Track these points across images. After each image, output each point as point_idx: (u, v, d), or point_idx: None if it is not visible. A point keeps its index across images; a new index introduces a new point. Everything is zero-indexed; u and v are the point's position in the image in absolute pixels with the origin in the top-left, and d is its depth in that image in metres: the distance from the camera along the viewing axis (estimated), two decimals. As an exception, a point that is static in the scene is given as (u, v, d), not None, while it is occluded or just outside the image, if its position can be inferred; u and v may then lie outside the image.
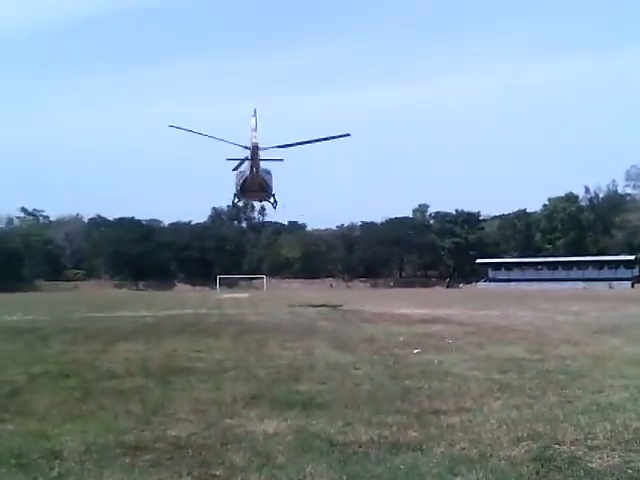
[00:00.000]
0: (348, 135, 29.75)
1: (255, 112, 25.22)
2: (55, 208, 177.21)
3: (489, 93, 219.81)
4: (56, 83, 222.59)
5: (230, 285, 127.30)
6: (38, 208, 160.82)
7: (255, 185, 27.03)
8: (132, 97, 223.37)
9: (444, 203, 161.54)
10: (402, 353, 15.71)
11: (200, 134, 28.23)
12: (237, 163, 28.47)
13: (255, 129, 24.72)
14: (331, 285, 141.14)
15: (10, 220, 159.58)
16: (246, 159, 27.18)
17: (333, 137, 28.93)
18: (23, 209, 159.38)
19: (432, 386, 11.01)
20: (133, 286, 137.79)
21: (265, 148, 26.23)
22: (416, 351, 16.11)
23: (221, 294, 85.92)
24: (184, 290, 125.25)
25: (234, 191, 29.43)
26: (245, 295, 76.01)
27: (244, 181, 26.39)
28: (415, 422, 8.47)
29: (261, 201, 29.12)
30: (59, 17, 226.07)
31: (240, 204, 23.92)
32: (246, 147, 26.00)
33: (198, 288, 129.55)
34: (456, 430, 8.10)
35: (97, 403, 9.91)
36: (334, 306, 42.95)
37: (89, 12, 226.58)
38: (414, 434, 7.93)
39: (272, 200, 30.39)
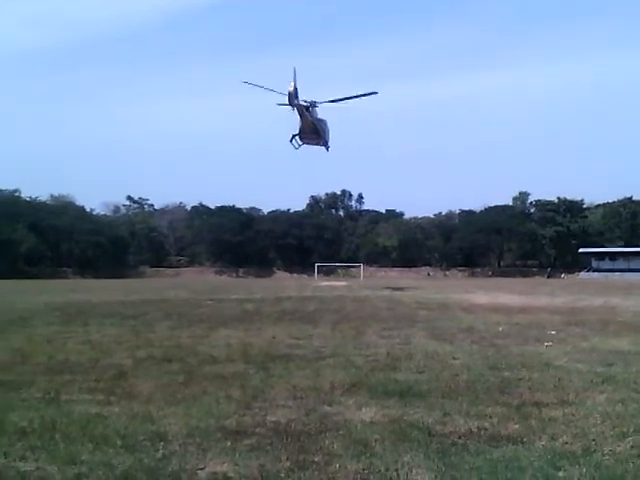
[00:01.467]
0: (376, 93, 31.16)
1: (294, 71, 27.86)
2: (159, 197, 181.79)
3: (589, 80, 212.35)
4: (161, 74, 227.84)
5: (327, 273, 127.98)
6: (143, 197, 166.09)
7: (307, 127, 29.29)
8: (235, 87, 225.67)
9: (545, 191, 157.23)
10: (501, 343, 15.44)
11: (270, 89, 29.31)
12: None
13: (294, 80, 27.21)
14: (428, 274, 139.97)
15: (117, 208, 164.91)
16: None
17: (362, 95, 30.24)
18: (129, 197, 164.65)
19: (533, 378, 10.79)
20: (233, 273, 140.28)
21: (317, 103, 28.83)
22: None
23: (319, 282, 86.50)
24: (282, 277, 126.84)
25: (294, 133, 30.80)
26: (342, 283, 76.30)
27: (300, 125, 28.85)
28: (515, 414, 8.32)
29: (318, 145, 30.78)
30: (162, 10, 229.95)
31: (296, 146, 25.96)
32: (290, 101, 28.08)
33: (296, 276, 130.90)
34: (558, 423, 7.92)
35: (199, 387, 10.14)
36: (431, 295, 42.61)
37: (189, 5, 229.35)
38: (515, 426, 7.79)
39: (326, 146, 32.44)
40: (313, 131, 30.28)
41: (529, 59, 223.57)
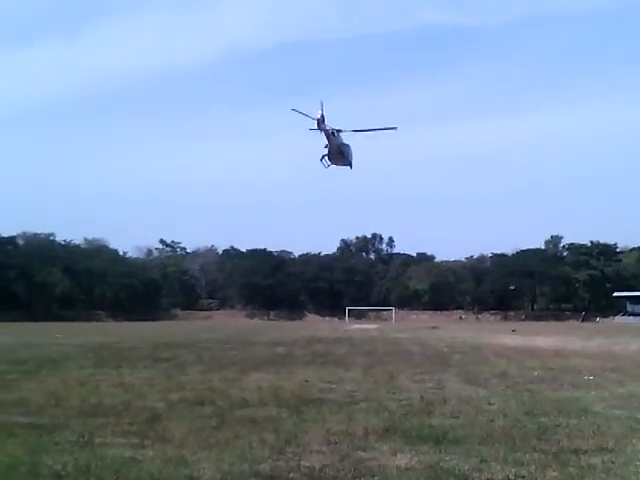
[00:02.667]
0: (395, 128, 33.37)
1: (321, 102, 31.09)
2: (192, 240, 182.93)
3: (621, 124, 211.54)
4: (192, 119, 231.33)
5: (358, 316, 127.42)
6: (176, 240, 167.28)
7: (334, 150, 32.60)
8: (265, 132, 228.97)
9: (578, 234, 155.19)
10: (537, 388, 15.22)
11: (310, 128, 31.58)
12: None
13: (321, 109, 30.57)
14: (460, 317, 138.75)
15: (150, 251, 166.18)
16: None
17: (382, 128, 33.11)
18: (162, 241, 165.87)
19: (570, 424, 10.60)
20: (264, 316, 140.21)
21: (342, 130, 32.25)
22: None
23: (350, 325, 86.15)
24: (314, 320, 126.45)
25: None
26: (374, 326, 75.89)
27: (328, 148, 32.43)
28: (554, 461, 8.16)
29: (344, 165, 34.21)
30: (197, 59, 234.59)
31: (326, 165, 29.93)
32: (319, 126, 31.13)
33: (327, 319, 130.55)
34: (598, 471, 7.75)
35: (232, 431, 10.09)
36: (465, 338, 42.21)
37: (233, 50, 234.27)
38: (553, 474, 7.64)
39: (350, 166, 35.42)
40: (339, 153, 33.75)
41: (560, 102, 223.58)
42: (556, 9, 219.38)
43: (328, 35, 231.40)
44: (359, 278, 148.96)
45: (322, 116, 31.40)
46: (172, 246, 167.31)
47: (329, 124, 32.11)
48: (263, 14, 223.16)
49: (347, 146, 34.62)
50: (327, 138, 32.69)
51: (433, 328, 55.47)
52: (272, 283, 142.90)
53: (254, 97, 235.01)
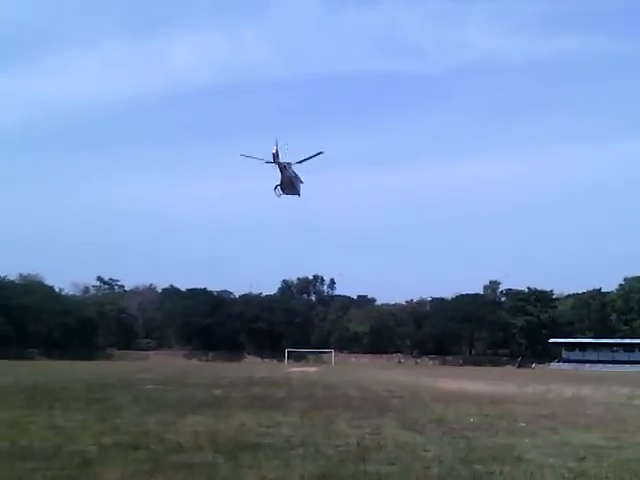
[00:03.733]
0: (322, 153, 36.22)
1: (276, 139, 34.82)
2: (130, 278, 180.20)
3: (561, 169, 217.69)
4: (135, 154, 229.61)
5: (298, 358, 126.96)
6: (114, 277, 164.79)
7: (286, 180, 35.92)
8: (208, 171, 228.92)
9: (516, 280, 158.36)
10: (472, 435, 15.35)
11: (264, 160, 35.10)
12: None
13: (275, 144, 34.01)
14: (399, 361, 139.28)
15: (86, 289, 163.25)
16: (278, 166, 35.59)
17: (311, 156, 36.02)
18: (99, 278, 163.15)
19: (504, 472, 10.71)
20: (202, 357, 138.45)
21: (290, 163, 35.58)
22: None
23: (289, 367, 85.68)
24: (253, 362, 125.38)
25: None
26: (314, 369, 75.66)
27: (281, 179, 35.87)
28: (487, 510, 8.23)
29: (293, 194, 37.86)
30: (141, 93, 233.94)
31: (278, 194, 35.90)
32: (274, 160, 34.69)
33: (267, 360, 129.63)
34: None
35: (165, 477, 9.94)
36: (403, 383, 42.34)
37: (167, 90, 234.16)
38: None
39: (299, 195, 38.82)
40: (290, 185, 37.14)
41: (500, 150, 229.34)
42: (494, 60, 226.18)
43: (273, 75, 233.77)
44: (299, 320, 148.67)
45: (277, 151, 34.78)
46: (110, 284, 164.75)
47: (282, 158, 35.20)
48: (211, 52, 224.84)
49: (297, 177, 38.13)
50: (280, 171, 36.12)
51: (367, 377, 55.45)
52: (211, 323, 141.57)
53: (193, 133, 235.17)
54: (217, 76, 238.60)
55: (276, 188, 37.88)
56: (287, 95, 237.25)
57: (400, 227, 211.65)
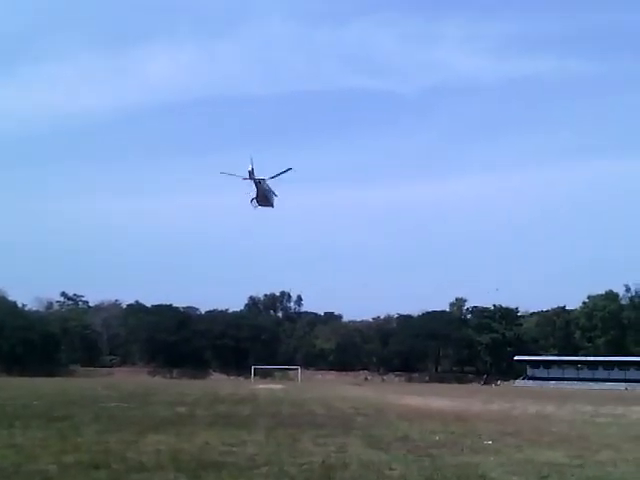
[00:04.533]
0: (290, 169, 39.81)
1: (251, 157, 39.09)
2: (95, 293, 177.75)
3: (529, 190, 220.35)
4: (104, 168, 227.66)
5: (264, 375, 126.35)
6: (78, 293, 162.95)
7: (261, 195, 40.06)
8: (179, 186, 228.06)
9: (481, 298, 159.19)
10: (437, 453, 15.35)
11: (243, 177, 38.71)
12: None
13: (251, 163, 38.15)
14: (366, 378, 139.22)
15: (50, 304, 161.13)
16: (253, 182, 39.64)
17: (281, 172, 39.55)
18: (63, 294, 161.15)
19: (468, 490, 10.70)
20: (167, 374, 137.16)
21: (264, 179, 39.54)
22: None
23: (255, 384, 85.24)
24: (218, 379, 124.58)
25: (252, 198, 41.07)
26: (279, 386, 75.33)
27: (256, 193, 39.99)
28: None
29: (267, 206, 41.87)
30: (108, 109, 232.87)
31: (254, 206, 41.18)
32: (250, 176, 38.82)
33: (232, 377, 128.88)
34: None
35: (127, 497, 9.78)
36: (369, 400, 42.32)
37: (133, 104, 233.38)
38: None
39: (272, 206, 42.73)
40: (264, 198, 41.03)
41: (467, 169, 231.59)
42: (469, 79, 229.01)
43: (250, 90, 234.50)
44: (266, 336, 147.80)
45: (252, 168, 38.80)
46: (74, 299, 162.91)
47: (257, 174, 39.13)
48: (188, 67, 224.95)
49: (270, 192, 42.10)
50: (255, 185, 39.99)
51: (333, 394, 55.38)
52: (176, 340, 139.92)
53: (164, 148, 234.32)
54: (194, 91, 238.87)
55: (252, 201, 41.91)
56: (264, 111, 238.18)
57: (368, 243, 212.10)
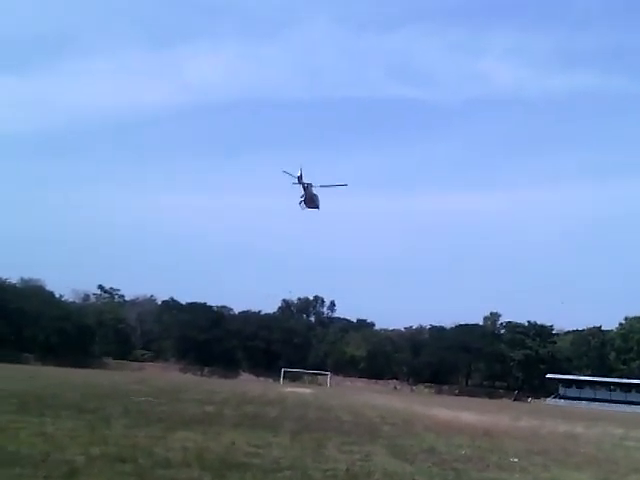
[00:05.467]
0: (346, 185, 45.83)
1: (301, 164, 42.48)
2: (131, 288, 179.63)
3: (569, 206, 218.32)
4: (142, 167, 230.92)
5: (294, 379, 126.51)
6: (115, 287, 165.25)
7: (308, 198, 43.35)
8: (212, 185, 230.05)
9: (516, 313, 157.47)
10: (462, 467, 15.23)
11: (293, 182, 41.74)
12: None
13: (300, 169, 41.63)
14: (395, 387, 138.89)
15: (87, 296, 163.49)
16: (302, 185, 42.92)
17: (335, 185, 44.68)
18: (100, 287, 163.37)
19: (491, 507, 10.62)
20: (198, 371, 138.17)
21: (311, 184, 42.84)
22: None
23: (284, 387, 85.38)
24: (248, 380, 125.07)
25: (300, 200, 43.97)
26: (308, 390, 75.32)
27: (304, 196, 43.27)
28: None
29: (314, 208, 44.44)
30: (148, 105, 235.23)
31: (302, 208, 44.70)
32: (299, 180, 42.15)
33: (262, 379, 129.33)
34: None
35: (150, 492, 9.87)
36: (396, 410, 42.15)
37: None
38: None
39: (318, 208, 45.56)
40: (311, 200, 44.19)
41: (507, 183, 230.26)
42: (510, 92, 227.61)
43: (290, 95, 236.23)
44: (297, 340, 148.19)
45: (301, 174, 42.40)
46: (110, 293, 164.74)
47: (305, 179, 42.53)
48: (230, 69, 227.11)
49: (316, 196, 44.99)
50: (304, 189, 43.20)
51: (361, 401, 55.25)
52: (209, 338, 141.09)
53: (210, 150, 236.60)
54: (235, 93, 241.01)
55: (300, 202, 45.07)
56: (304, 115, 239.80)
57: (403, 253, 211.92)
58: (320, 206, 46.23)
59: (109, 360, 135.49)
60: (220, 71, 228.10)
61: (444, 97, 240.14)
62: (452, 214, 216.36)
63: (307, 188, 43.44)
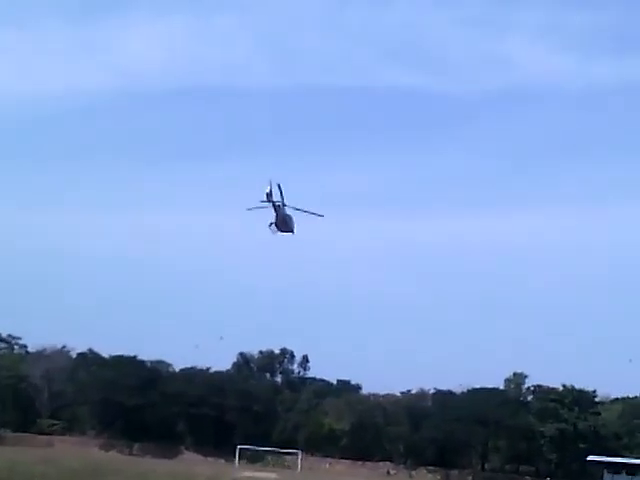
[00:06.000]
0: (322, 215, 46.45)
1: (270, 180, 43.28)
2: (36, 336, 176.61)
3: (623, 231, 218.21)
4: (50, 175, 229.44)
5: (253, 459, 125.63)
6: (14, 334, 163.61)
7: (279, 219, 45.31)
8: (158, 200, 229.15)
9: (548, 374, 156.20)
10: None
11: (261, 200, 43.35)
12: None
13: (269, 184, 42.90)
14: (388, 472, 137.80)
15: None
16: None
17: (310, 212, 45.59)
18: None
19: None
20: (125, 448, 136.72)
21: (285, 204, 44.43)
22: None
23: (240, 471, 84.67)
24: (192, 460, 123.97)
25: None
26: (272, 475, 74.79)
27: (275, 218, 45.18)
28: None
29: (287, 232, 46.95)
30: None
31: (273, 232, 46.71)
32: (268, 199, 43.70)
33: (210, 459, 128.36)
34: None
35: None
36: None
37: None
38: None
39: (293, 232, 47.97)
40: (284, 223, 46.30)
41: (537, 201, 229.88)
42: (541, 83, 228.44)
43: (255, 81, 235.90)
44: (258, 407, 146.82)
45: (270, 191, 43.30)
46: (8, 342, 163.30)
47: (277, 196, 43.49)
48: (174, 46, 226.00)
49: (290, 217, 46.90)
50: (274, 209, 44.69)
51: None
52: (140, 404, 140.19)
53: (143, 154, 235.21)
54: (180, 78, 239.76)
55: (271, 225, 46.92)
56: (273, 110, 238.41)
57: (400, 293, 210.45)
58: (295, 230, 48.21)
59: (6, 432, 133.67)
60: (158, 49, 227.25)
61: (457, 88, 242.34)
62: (464, 242, 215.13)
63: (279, 208, 44.72)
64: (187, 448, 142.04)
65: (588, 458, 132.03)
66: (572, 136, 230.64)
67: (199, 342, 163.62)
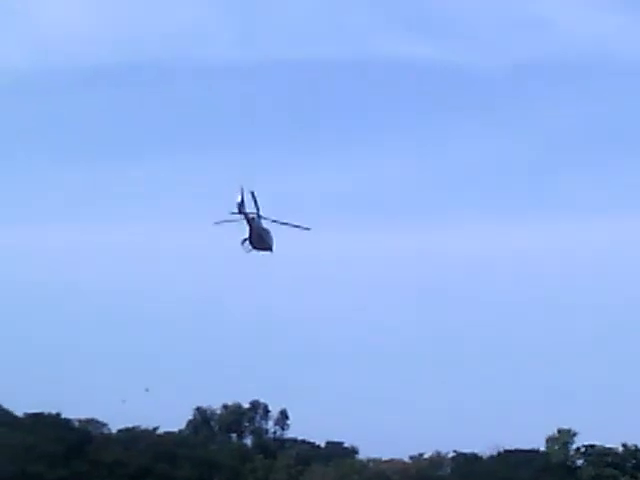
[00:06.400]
0: (309, 229, 48.20)
1: (242, 187, 43.98)
2: None
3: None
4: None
5: None
6: None
7: (254, 234, 47.51)
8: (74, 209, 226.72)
9: (601, 432, 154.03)
10: None
11: (232, 212, 45.44)
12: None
13: (241, 194, 44.86)
14: None
15: None
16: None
17: (296, 225, 48.76)
18: None
19: None
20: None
21: (260, 215, 46.60)
22: None
23: None
24: None
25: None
26: None
27: (248, 232, 47.59)
28: None
29: (264, 250, 49.35)
30: None
31: (247, 250, 47.57)
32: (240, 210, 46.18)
33: None
34: None
35: None
36: None
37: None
38: None
39: (271, 250, 51.24)
40: (259, 239, 48.41)
41: (586, 206, 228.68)
42: (587, 52, 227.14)
43: (219, 55, 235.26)
44: (222, 477, 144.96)
45: (242, 200, 45.03)
46: None
47: (250, 207, 46.16)
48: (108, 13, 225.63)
49: (267, 231, 49.72)
50: (247, 222, 47.08)
51: None
52: (65, 477, 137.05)
53: (75, 150, 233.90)
54: (114, 52, 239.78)
55: (243, 242, 49.29)
56: (236, 89, 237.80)
57: (400, 327, 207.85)
58: (274, 247, 50.68)
59: None
60: (91, 16, 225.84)
61: (481, 60, 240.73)
62: (489, 257, 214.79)
63: (252, 221, 46.85)
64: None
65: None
66: (627, 117, 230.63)
67: (137, 393, 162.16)
